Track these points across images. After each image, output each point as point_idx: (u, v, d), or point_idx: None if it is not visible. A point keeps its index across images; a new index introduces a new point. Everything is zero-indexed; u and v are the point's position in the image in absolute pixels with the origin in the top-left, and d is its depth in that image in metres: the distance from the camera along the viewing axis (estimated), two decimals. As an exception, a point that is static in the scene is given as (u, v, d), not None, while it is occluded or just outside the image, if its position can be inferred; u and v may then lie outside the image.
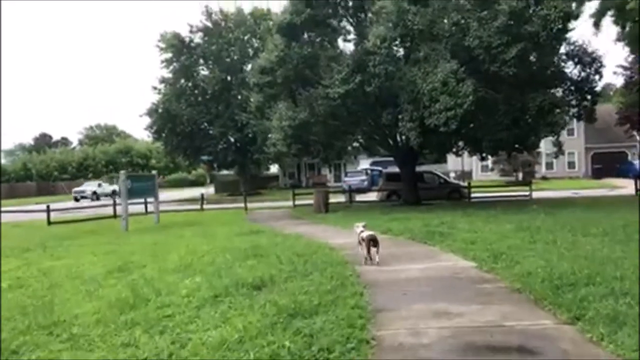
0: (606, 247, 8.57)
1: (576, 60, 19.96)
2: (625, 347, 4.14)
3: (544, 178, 46.29)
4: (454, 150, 24.33)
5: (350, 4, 21.94)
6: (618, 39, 22.33)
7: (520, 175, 45.01)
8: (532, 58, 18.72)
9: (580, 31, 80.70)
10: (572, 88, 20.47)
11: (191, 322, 5.35)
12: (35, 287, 7.66)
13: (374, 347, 4.49)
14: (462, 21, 17.96)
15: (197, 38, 41.40)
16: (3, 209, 26.13)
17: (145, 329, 5.17)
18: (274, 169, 57.92)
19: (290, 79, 20.80)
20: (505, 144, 20.27)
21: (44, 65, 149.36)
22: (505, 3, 16.80)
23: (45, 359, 4.62)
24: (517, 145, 21.28)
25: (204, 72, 42.24)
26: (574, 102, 21.14)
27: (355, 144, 27.10)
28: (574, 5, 18.83)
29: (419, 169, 25.73)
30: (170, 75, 41.59)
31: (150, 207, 22.20)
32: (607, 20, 22.60)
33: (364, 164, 47.63)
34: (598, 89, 20.81)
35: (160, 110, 40.32)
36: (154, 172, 23.66)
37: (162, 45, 40.75)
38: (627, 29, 22.83)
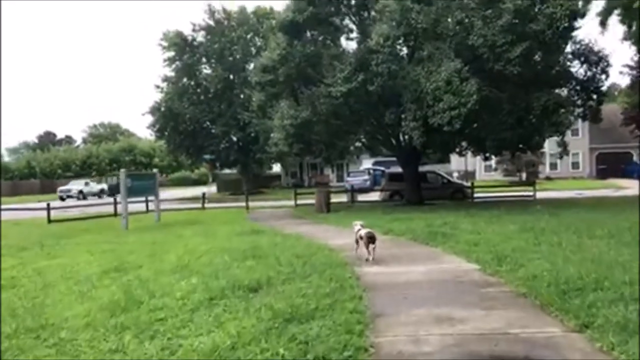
0: (613, 250, 8.34)
1: (582, 59, 19.69)
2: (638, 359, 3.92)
3: (548, 178, 45.95)
4: (458, 150, 24.12)
5: (353, 2, 21.75)
6: (624, 38, 22.05)
7: (524, 176, 44.69)
8: (537, 57, 18.46)
9: (586, 30, 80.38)
10: (578, 88, 20.22)
11: (184, 327, 5.16)
12: (27, 288, 7.50)
13: (372, 355, 4.29)
14: (466, 20, 17.72)
15: (200, 37, 41.22)
16: (4, 206, 26.06)
17: (135, 334, 4.98)
18: (276, 168, 57.74)
19: (293, 77, 20.61)
20: (509, 143, 20.05)
21: (48, 64, 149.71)
22: (510, 1, 16.55)
23: (29, 364, 4.44)
24: (521, 145, 21.07)
25: (206, 70, 42.08)
26: (579, 102, 20.89)
27: (358, 144, 26.90)
28: (580, 3, 18.59)
29: (421, 168, 25.50)
30: (172, 73, 41.42)
31: (152, 206, 22.05)
32: (614, 19, 22.33)
33: (367, 163, 47.41)
34: (604, 88, 20.52)
35: (162, 109, 40.17)
36: (154, 170, 23.43)
37: (165, 43, 40.59)
38: (634, 28, 22.54)
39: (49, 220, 19.81)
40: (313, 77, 20.24)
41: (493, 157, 28.59)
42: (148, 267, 8.71)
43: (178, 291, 6.63)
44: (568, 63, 20.07)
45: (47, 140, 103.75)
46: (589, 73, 19.91)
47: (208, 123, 41.29)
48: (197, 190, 42.82)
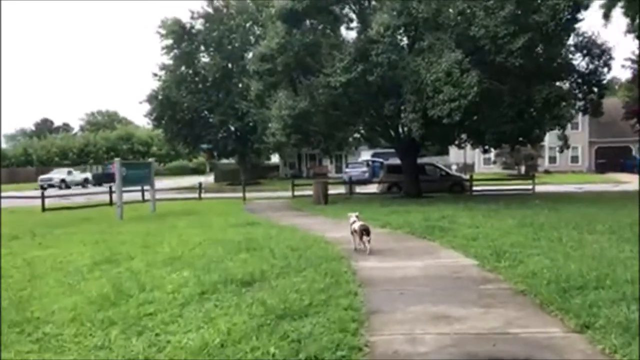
0: (614, 247, 8.20)
1: (585, 52, 19.44)
2: (641, 362, 3.78)
3: (547, 172, 45.84)
4: (457, 142, 23.91)
5: (354, -10, 21.41)
6: (628, 31, 21.78)
7: (523, 169, 44.58)
8: (539, 49, 18.22)
9: (589, 22, 79.81)
10: (579, 81, 19.98)
11: (173, 322, 5.01)
12: (15, 279, 7.33)
13: (367, 355, 4.14)
14: (468, 10, 17.46)
15: (198, 24, 40.75)
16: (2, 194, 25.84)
17: (122, 329, 4.82)
18: (275, 158, 57.50)
19: (291, 66, 20.31)
20: (509, 136, 19.86)
21: (46, 50, 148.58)
22: (513, -8, 16.29)
23: (10, 361, 4.29)
24: (521, 138, 20.88)
25: (204, 59, 41.66)
26: (580, 95, 20.68)
27: (357, 135, 26.66)
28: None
29: (420, 160, 25.32)
30: (170, 62, 41.05)
31: (148, 195, 21.85)
32: (617, 12, 22.04)
33: (366, 155, 47.21)
34: (606, 82, 20.29)
35: (160, 97, 39.83)
36: (150, 159, 23.20)
37: (163, 31, 40.13)
38: (637, 20, 22.24)
39: (44, 209, 19.63)
40: (312, 66, 19.95)
41: (492, 149, 28.44)
42: (140, 259, 8.56)
43: (169, 284, 6.48)
44: (570, 55, 19.82)
45: (45, 127, 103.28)
46: (591, 66, 19.66)
47: (206, 112, 41.01)
48: (194, 180, 42.64)
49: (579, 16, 17.64)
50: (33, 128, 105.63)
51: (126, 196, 18.94)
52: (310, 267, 7.20)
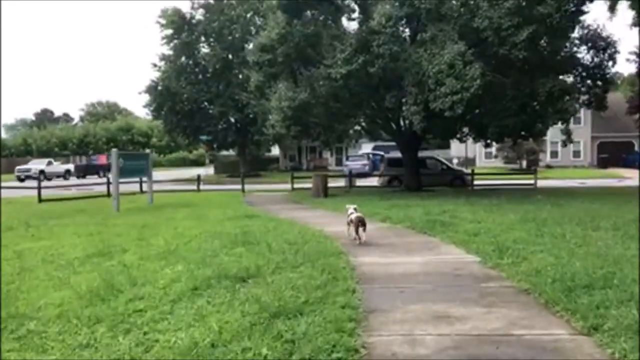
0: (619, 244, 8.00)
1: (590, 44, 19.15)
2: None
3: (549, 166, 45.61)
4: (459, 136, 23.66)
5: (356, -19, 21.08)
6: (634, 24, 21.46)
7: (524, 163, 44.38)
8: (543, 42, 17.95)
9: (594, 15, 79.28)
10: (584, 74, 19.72)
11: (162, 320, 4.80)
12: (4, 272, 7.11)
13: (364, 357, 3.94)
14: (472, 1, 17.17)
15: (199, 14, 40.42)
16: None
17: (109, 327, 4.63)
18: (275, 151, 57.26)
19: (291, 57, 20.03)
20: (512, 130, 19.61)
21: (47, 40, 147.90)
22: (518, -18, 15.99)
23: (-11, 360, 4.10)
24: (523, 133, 20.66)
25: (205, 49, 41.34)
26: (584, 89, 20.43)
27: (357, 127, 26.40)
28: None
29: (421, 154, 25.08)
30: (170, 52, 40.74)
31: (146, 187, 21.65)
32: (623, 5, 21.69)
33: (366, 148, 46.96)
34: (610, 75, 20.02)
35: (159, 88, 39.59)
36: (147, 150, 22.98)
37: (163, 21, 39.82)
38: (643, 13, 21.90)
39: (40, 200, 19.43)
40: (312, 57, 19.68)
41: (494, 143, 28.21)
42: (134, 252, 8.36)
43: (161, 279, 6.28)
44: (575, 48, 19.56)
45: (45, 117, 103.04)
46: (595, 59, 19.40)
47: (206, 103, 40.77)
48: (194, 172, 42.42)
49: (584, 8, 17.42)
50: (33, 118, 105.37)
51: (124, 188, 18.77)
52: (307, 263, 7.00)
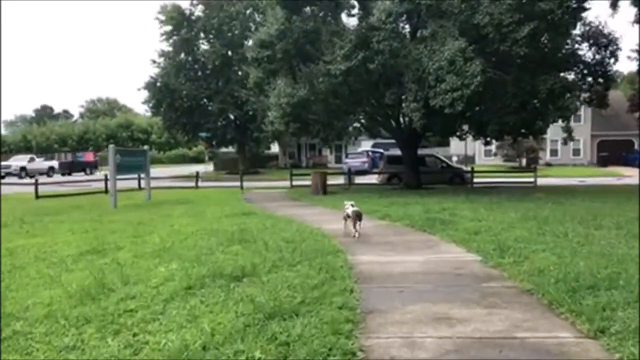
0: (622, 243, 7.85)
1: (591, 41, 18.97)
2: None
3: (548, 164, 45.47)
4: (458, 133, 23.49)
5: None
6: (636, 21, 21.26)
7: (524, 161, 44.23)
8: (544, 39, 17.76)
9: (596, 11, 78.95)
10: (585, 71, 19.54)
11: (154, 320, 4.65)
12: (-6, 270, 6.97)
13: (361, 361, 3.79)
14: (473, -3, 16.97)
15: (198, 11, 40.26)
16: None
17: (98, 328, 4.47)
18: (275, 148, 57.08)
19: (291, 53, 19.86)
20: (512, 128, 19.43)
21: (47, 36, 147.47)
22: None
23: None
24: (523, 130, 20.46)
25: (204, 46, 41.17)
26: (585, 87, 20.26)
27: (357, 125, 26.22)
28: (591, -17, 17.81)
29: (421, 151, 24.93)
30: (169, 48, 40.52)
31: (144, 184, 21.49)
32: (625, 2, 21.48)
33: (366, 145, 46.78)
34: (612, 73, 19.83)
35: (158, 84, 39.39)
36: (145, 147, 22.78)
37: (162, 17, 39.63)
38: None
39: (37, 196, 19.27)
40: (312, 54, 19.50)
41: (494, 141, 28.04)
42: (128, 249, 8.21)
43: (154, 278, 6.13)
44: (576, 45, 19.37)
45: (44, 114, 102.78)
46: (597, 56, 19.23)
47: (205, 100, 40.58)
48: (193, 169, 42.26)
49: (586, 5, 17.27)
50: (33, 114, 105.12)
51: (122, 184, 18.61)
52: (304, 261, 6.84)
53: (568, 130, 20.02)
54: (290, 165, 46.93)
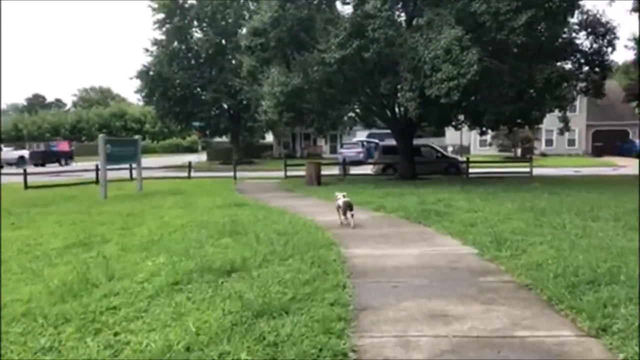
0: (620, 235, 7.70)
1: (589, 30, 18.73)
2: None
3: (543, 155, 45.40)
4: (454, 123, 23.28)
5: (350, -37, 20.47)
6: (634, 10, 21.03)
7: (519, 151, 44.13)
8: (541, 27, 17.50)
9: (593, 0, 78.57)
10: (582, 60, 19.33)
11: (137, 319, 4.44)
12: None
13: (353, 362, 3.60)
14: (469, -16, 16.67)
15: (191, -2, 39.57)
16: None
17: (78, 327, 4.26)
18: (269, 137, 56.69)
19: (284, 42, 19.50)
20: (508, 118, 19.23)
21: (39, 25, 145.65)
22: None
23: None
24: (519, 120, 20.29)
25: (197, 34, 40.56)
26: (582, 76, 20.07)
27: (351, 114, 25.93)
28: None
29: (416, 142, 24.71)
30: (162, 37, 39.93)
31: (135, 174, 21.19)
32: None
33: (361, 135, 46.52)
34: (609, 62, 19.62)
35: (151, 73, 38.81)
36: (136, 136, 22.43)
37: (155, 5, 38.98)
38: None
39: (26, 186, 18.95)
40: (306, 42, 19.17)
41: (489, 131, 27.87)
42: (116, 242, 7.99)
43: (140, 272, 5.92)
44: (573, 34, 19.13)
45: (36, 103, 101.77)
46: (594, 45, 19.00)
47: (198, 89, 40.09)
48: (186, 158, 41.87)
49: (585, -7, 16.95)
50: (24, 103, 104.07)
51: (114, 174, 18.31)
52: (296, 255, 6.65)
53: (565, 120, 19.85)
54: (284, 156, 46.60)
